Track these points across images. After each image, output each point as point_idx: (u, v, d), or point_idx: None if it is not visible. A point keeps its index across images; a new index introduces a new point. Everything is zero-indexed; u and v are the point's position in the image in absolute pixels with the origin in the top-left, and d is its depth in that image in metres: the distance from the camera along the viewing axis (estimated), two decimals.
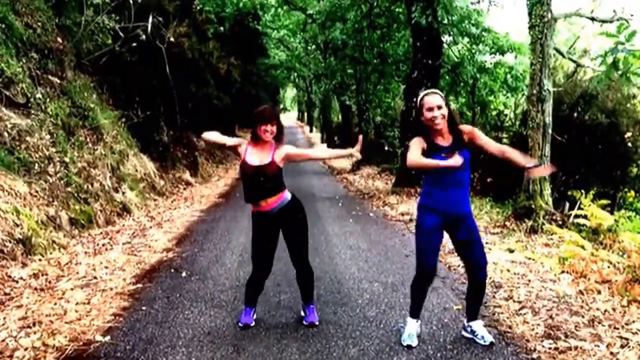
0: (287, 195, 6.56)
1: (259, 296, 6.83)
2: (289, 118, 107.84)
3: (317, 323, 6.61)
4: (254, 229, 6.63)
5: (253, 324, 6.59)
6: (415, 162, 5.70)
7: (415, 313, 6.23)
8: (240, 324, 6.54)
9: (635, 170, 18.69)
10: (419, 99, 5.91)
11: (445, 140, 5.87)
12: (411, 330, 6.15)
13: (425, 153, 5.78)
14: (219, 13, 28.93)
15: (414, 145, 5.82)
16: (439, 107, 5.71)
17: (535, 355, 5.75)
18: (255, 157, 6.33)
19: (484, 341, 6.04)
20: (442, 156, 5.72)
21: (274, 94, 64.57)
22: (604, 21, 13.64)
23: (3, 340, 5.94)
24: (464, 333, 6.30)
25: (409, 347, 5.94)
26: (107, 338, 6.13)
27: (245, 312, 6.68)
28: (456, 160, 5.57)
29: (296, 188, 20.52)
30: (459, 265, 9.36)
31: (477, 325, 6.21)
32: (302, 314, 6.83)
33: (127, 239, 11.24)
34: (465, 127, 5.99)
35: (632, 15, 12.96)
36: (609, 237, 10.86)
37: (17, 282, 7.90)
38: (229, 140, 6.48)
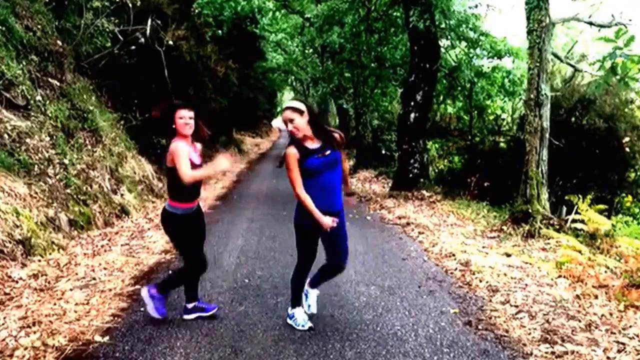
0: None
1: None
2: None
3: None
4: (185, 225, 6.71)
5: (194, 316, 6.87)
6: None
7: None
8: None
9: (633, 175, 18.73)
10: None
11: (314, 143, 6.20)
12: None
13: (301, 159, 6.12)
14: (217, 16, 28.92)
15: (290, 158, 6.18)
16: (291, 121, 6.08)
17: None
18: (195, 156, 6.56)
19: (309, 310, 6.68)
20: (317, 157, 6.13)
21: (271, 97, 64.62)
22: (602, 26, 13.66)
23: (3, 340, 5.98)
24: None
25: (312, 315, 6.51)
26: (106, 338, 6.17)
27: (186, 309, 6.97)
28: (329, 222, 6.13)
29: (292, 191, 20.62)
30: (455, 269, 9.43)
31: (313, 293, 6.87)
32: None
33: (126, 240, 11.26)
34: (336, 133, 6.36)
35: (630, 20, 12.99)
36: (606, 242, 10.89)
37: (16, 282, 7.92)
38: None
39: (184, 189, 6.31)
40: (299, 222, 6.30)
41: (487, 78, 22.66)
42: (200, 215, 6.95)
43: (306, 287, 6.74)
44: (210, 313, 6.91)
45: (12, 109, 10.91)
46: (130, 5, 15.72)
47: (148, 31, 17.21)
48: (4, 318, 6.60)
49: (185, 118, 6.31)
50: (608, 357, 5.81)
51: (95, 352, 5.84)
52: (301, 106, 6.13)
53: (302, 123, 6.05)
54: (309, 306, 6.66)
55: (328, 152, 6.15)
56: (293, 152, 6.05)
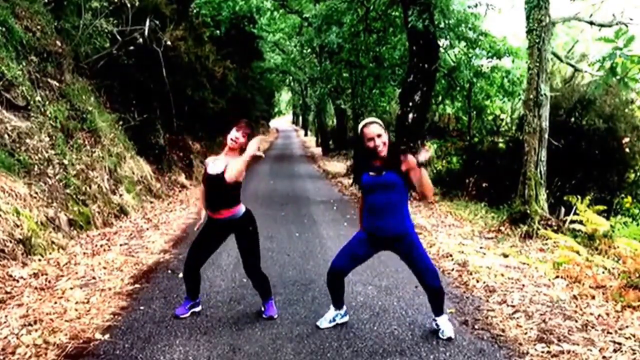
0: (240, 209, 6.84)
1: (199, 290, 7.15)
2: (283, 122, 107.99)
3: (275, 316, 6.95)
4: (204, 227, 6.97)
5: (187, 315, 6.94)
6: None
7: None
8: (174, 314, 6.93)
9: (632, 175, 18.69)
10: (359, 129, 6.22)
11: (379, 162, 6.10)
12: (325, 316, 6.77)
13: (361, 172, 6.22)
14: (215, 16, 29.01)
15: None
16: (379, 136, 5.98)
17: (527, 359, 5.81)
18: (216, 165, 6.69)
19: (443, 335, 6.31)
20: (370, 175, 6.08)
21: (269, 98, 64.52)
22: (602, 25, 13.66)
23: (5, 338, 6.03)
24: (434, 324, 6.53)
25: (317, 327, 6.51)
26: (107, 336, 6.21)
27: (183, 303, 7.11)
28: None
29: (290, 192, 20.61)
30: (453, 270, 9.44)
31: (441, 320, 6.46)
32: (262, 308, 7.08)
33: (125, 240, 11.31)
34: (410, 160, 6.04)
35: (631, 19, 12.99)
36: (604, 243, 10.89)
37: (17, 281, 7.98)
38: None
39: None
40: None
41: (486, 78, 22.63)
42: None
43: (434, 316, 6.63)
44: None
45: (12, 110, 10.95)
46: (128, 5, 15.75)
47: (146, 31, 17.24)
48: (6, 316, 6.67)
49: (232, 136, 6.67)
50: (604, 357, 5.81)
51: (95, 350, 5.87)
52: (381, 123, 6.10)
53: (387, 140, 6.02)
54: (443, 331, 6.44)
55: (384, 173, 6.01)
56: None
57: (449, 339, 6.23)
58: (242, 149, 6.58)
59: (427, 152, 5.94)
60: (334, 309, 6.70)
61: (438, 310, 6.44)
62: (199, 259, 6.92)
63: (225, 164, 6.50)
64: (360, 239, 6.35)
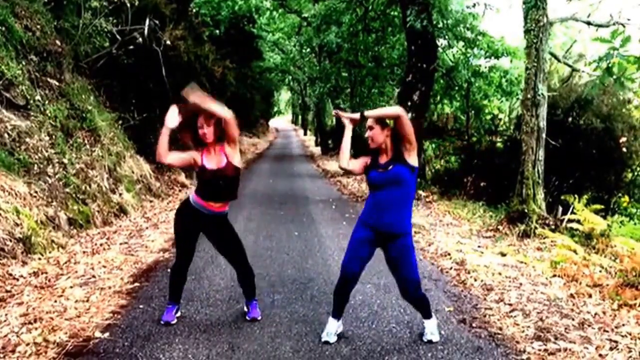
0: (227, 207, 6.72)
1: (182, 291, 6.96)
2: (283, 121, 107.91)
3: (259, 318, 6.83)
4: (185, 218, 6.67)
5: (174, 321, 6.72)
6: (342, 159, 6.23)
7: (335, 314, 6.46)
8: (162, 321, 6.68)
9: (629, 175, 18.76)
10: None
11: (385, 159, 6.04)
12: (329, 329, 6.36)
13: (367, 169, 6.12)
14: (214, 16, 29.05)
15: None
16: (370, 128, 5.97)
17: (524, 357, 5.86)
18: (212, 160, 6.45)
19: (425, 338, 6.29)
20: (378, 172, 5.98)
21: (268, 97, 64.56)
22: (600, 25, 13.70)
23: (5, 336, 6.05)
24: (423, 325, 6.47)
25: (327, 343, 6.18)
26: (106, 334, 6.24)
27: (167, 309, 6.81)
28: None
29: (289, 191, 20.65)
30: (451, 268, 9.49)
31: (428, 323, 6.37)
32: (245, 309, 7.02)
33: (124, 239, 11.33)
34: (402, 145, 5.99)
35: (628, 20, 13.02)
36: (601, 242, 10.92)
37: (17, 279, 8.01)
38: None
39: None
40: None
41: (484, 78, 22.62)
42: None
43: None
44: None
45: (12, 109, 10.98)
46: (128, 5, 15.74)
47: (146, 31, 17.23)
48: (6, 315, 6.69)
49: (203, 127, 6.34)
50: (600, 355, 5.86)
51: (95, 348, 5.90)
52: (388, 121, 6.00)
53: (378, 136, 5.95)
54: (426, 334, 6.35)
55: (391, 167, 5.93)
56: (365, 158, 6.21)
57: (429, 342, 6.21)
58: (219, 137, 6.40)
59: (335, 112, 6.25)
60: (335, 320, 6.42)
61: (426, 315, 6.40)
62: (188, 259, 6.81)
63: (225, 155, 6.40)
64: (361, 239, 6.15)
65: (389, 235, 6.01)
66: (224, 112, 6.20)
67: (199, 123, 6.27)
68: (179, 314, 6.88)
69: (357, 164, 6.19)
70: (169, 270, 8.92)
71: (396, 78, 26.76)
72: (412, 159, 5.91)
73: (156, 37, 18.14)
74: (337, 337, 6.33)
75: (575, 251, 9.74)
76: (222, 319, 6.92)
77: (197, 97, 6.17)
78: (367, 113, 5.99)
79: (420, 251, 10.75)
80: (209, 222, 6.59)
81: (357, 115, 5.99)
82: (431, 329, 6.31)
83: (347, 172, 6.29)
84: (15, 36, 11.76)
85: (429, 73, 18.87)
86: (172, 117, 6.26)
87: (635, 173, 18.85)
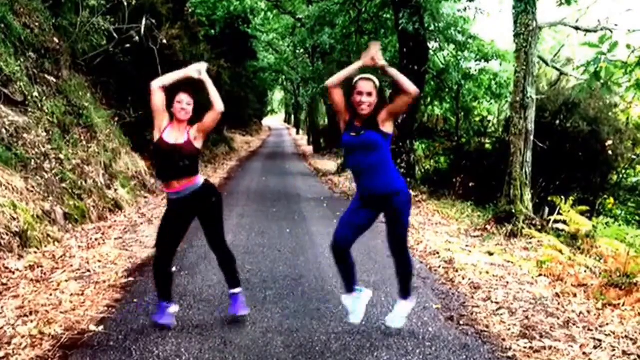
0: (199, 180, 6.40)
1: (172, 287, 6.69)
2: (276, 120, 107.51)
3: (245, 314, 6.68)
4: (167, 212, 6.53)
5: (174, 323, 6.48)
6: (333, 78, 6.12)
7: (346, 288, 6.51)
8: (157, 323, 6.41)
9: (615, 177, 18.91)
10: (353, 81, 6.01)
11: (359, 124, 6.01)
12: (347, 307, 6.49)
13: (344, 131, 6.10)
14: (210, 16, 29.01)
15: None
16: (369, 94, 5.86)
17: (510, 354, 5.93)
18: (172, 135, 6.27)
19: (386, 321, 6.40)
20: (350, 135, 5.98)
21: (262, 96, 64.50)
22: (588, 31, 13.85)
23: (1, 328, 6.12)
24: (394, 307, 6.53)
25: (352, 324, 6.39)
26: (101, 328, 6.29)
27: (160, 309, 6.51)
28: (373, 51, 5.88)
29: (281, 189, 20.68)
30: (439, 267, 9.56)
31: (401, 305, 6.45)
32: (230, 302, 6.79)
33: (119, 234, 11.41)
34: (382, 113, 5.96)
35: (616, 25, 13.16)
36: (587, 243, 11.06)
37: (13, 273, 8.08)
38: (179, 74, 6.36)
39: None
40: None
41: (475, 80, 22.78)
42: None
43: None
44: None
45: (10, 105, 11.07)
46: (125, 4, 15.85)
47: (142, 30, 17.32)
48: (2, 307, 6.77)
49: (182, 103, 6.19)
50: (584, 353, 5.94)
51: (90, 341, 5.96)
52: (377, 84, 5.96)
53: (373, 104, 5.90)
54: (392, 319, 6.40)
55: (363, 132, 5.90)
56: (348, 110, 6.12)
57: (391, 327, 6.31)
58: (191, 120, 6.35)
59: (375, 46, 5.95)
60: (347, 295, 6.46)
61: (404, 293, 6.42)
62: (169, 252, 6.51)
63: (187, 133, 6.29)
64: (354, 206, 6.28)
65: (376, 199, 6.06)
66: (219, 103, 6.26)
67: (181, 98, 6.19)
68: (176, 309, 6.64)
69: (341, 99, 6.14)
70: None
71: (388, 79, 26.76)
72: (387, 128, 5.97)
73: (152, 35, 18.22)
74: (328, 332, 6.41)
75: (561, 251, 9.86)
76: (215, 314, 6.96)
77: (206, 77, 6.28)
78: (389, 70, 5.94)
79: (409, 249, 10.86)
80: (189, 204, 6.38)
81: (380, 63, 5.84)
82: (401, 312, 6.39)
83: (327, 91, 6.17)
84: (14, 33, 11.85)
85: (420, 75, 18.94)
86: (197, 67, 6.31)
87: (621, 175, 19.01)
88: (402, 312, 6.40)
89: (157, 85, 6.19)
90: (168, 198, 6.52)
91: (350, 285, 6.46)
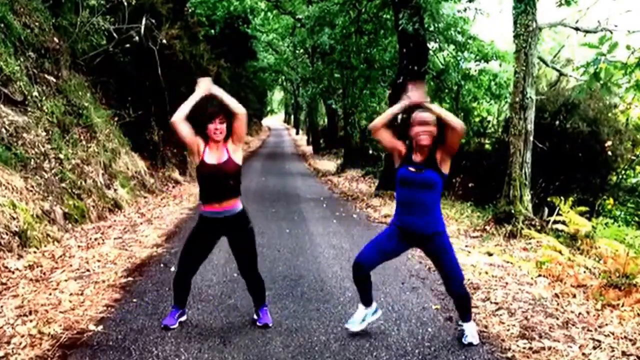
0: (239, 205, 6.44)
1: (187, 297, 6.79)
2: (275, 120, 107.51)
3: (270, 325, 6.61)
4: (197, 230, 6.54)
5: (175, 326, 6.51)
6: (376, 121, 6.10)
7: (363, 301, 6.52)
8: (162, 324, 6.50)
9: (614, 178, 18.92)
10: (412, 116, 5.92)
11: (419, 157, 5.96)
12: (354, 316, 6.50)
13: (400, 163, 6.06)
14: (210, 16, 29.01)
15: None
16: (429, 124, 5.77)
17: (509, 354, 5.93)
18: (213, 156, 6.24)
19: (465, 341, 6.21)
20: (409, 170, 5.92)
21: (261, 97, 64.59)
22: (587, 31, 13.82)
23: (1, 328, 6.12)
24: (458, 329, 6.48)
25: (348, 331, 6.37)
26: (100, 327, 6.30)
27: (170, 313, 6.63)
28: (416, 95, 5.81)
29: (281, 189, 20.68)
30: None
31: (467, 326, 6.33)
32: (255, 317, 6.77)
33: (119, 234, 11.39)
34: (438, 154, 5.95)
35: (616, 26, 13.15)
36: (586, 243, 11.05)
37: (13, 272, 8.08)
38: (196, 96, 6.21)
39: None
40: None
41: (474, 81, 22.79)
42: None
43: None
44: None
45: (9, 104, 11.06)
46: (125, 4, 15.84)
47: (142, 30, 17.33)
48: (1, 307, 6.76)
49: (215, 123, 6.17)
50: (583, 354, 5.93)
51: (89, 341, 5.96)
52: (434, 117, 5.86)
53: (433, 135, 5.86)
54: (466, 337, 6.27)
55: (424, 170, 5.88)
56: (403, 143, 6.13)
57: (470, 344, 6.17)
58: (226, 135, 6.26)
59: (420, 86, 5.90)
60: (363, 308, 6.47)
61: (464, 316, 6.36)
62: (193, 266, 6.61)
63: (227, 150, 6.25)
64: (390, 232, 6.21)
65: (417, 236, 6.03)
66: (239, 107, 6.15)
67: (215, 120, 6.14)
68: (184, 317, 6.73)
69: (390, 137, 6.15)
70: (162, 265, 9.06)
71: (387, 80, 26.75)
72: (445, 168, 5.97)
73: (152, 35, 18.23)
74: (327, 332, 6.44)
75: (560, 252, 9.86)
76: (214, 313, 6.99)
77: (216, 89, 6.18)
78: (434, 107, 5.89)
79: (408, 250, 10.86)
80: (222, 227, 6.44)
81: (426, 102, 5.80)
82: (471, 331, 6.29)
83: (372, 133, 6.13)
84: (14, 33, 11.84)
85: (419, 75, 18.89)
86: (204, 85, 6.21)
87: (620, 176, 19.02)
88: (471, 330, 6.35)
89: (179, 118, 6.15)
90: (201, 215, 6.45)
91: (367, 299, 6.50)
